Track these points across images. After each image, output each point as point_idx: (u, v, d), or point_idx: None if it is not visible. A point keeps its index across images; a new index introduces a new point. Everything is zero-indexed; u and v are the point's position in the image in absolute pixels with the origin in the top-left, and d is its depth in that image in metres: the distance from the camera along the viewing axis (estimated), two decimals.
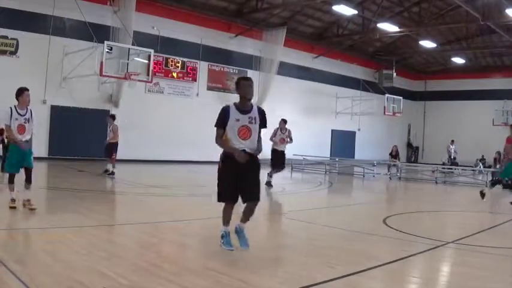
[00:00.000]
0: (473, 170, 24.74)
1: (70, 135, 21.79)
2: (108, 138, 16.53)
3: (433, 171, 23.81)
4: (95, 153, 19.96)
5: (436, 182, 21.55)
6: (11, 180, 8.81)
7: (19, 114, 8.77)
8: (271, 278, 5.41)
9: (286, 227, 9.35)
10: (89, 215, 9.10)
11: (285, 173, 23.12)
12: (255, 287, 5.12)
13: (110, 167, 16.25)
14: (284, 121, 15.89)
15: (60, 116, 21.82)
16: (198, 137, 24.97)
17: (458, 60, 35.66)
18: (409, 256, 6.74)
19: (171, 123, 25.27)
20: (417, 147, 42.12)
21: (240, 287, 5.04)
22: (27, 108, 8.88)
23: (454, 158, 30.90)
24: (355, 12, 25.96)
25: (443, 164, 28.83)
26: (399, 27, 28.06)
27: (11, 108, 8.76)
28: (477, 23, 26.27)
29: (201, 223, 8.85)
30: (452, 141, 31.75)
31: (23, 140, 8.76)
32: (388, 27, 27.75)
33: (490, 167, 24.43)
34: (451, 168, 25.64)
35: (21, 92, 8.82)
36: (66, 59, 21.56)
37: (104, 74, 20.02)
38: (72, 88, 21.72)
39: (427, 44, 31.07)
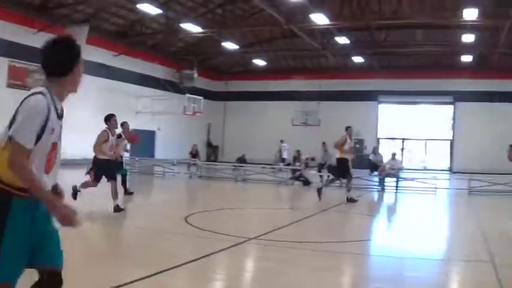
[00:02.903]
0: (273, 168, 25.39)
1: None
2: None
3: (233, 170, 24.29)
4: None
5: (236, 180, 21.97)
6: None
7: None
8: None
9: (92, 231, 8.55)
10: None
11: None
12: None
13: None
14: None
15: None
16: None
17: (260, 62, 37.29)
18: (213, 253, 6.78)
19: None
20: (217, 146, 42.89)
21: None
22: None
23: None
24: (160, 11, 25.63)
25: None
26: (202, 28, 28.28)
27: None
28: (281, 27, 27.50)
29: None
30: (282, 140, 31.07)
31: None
32: (191, 27, 27.83)
33: (289, 164, 25.21)
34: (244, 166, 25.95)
35: None
36: None
37: None
38: None
39: (230, 45, 31.89)
